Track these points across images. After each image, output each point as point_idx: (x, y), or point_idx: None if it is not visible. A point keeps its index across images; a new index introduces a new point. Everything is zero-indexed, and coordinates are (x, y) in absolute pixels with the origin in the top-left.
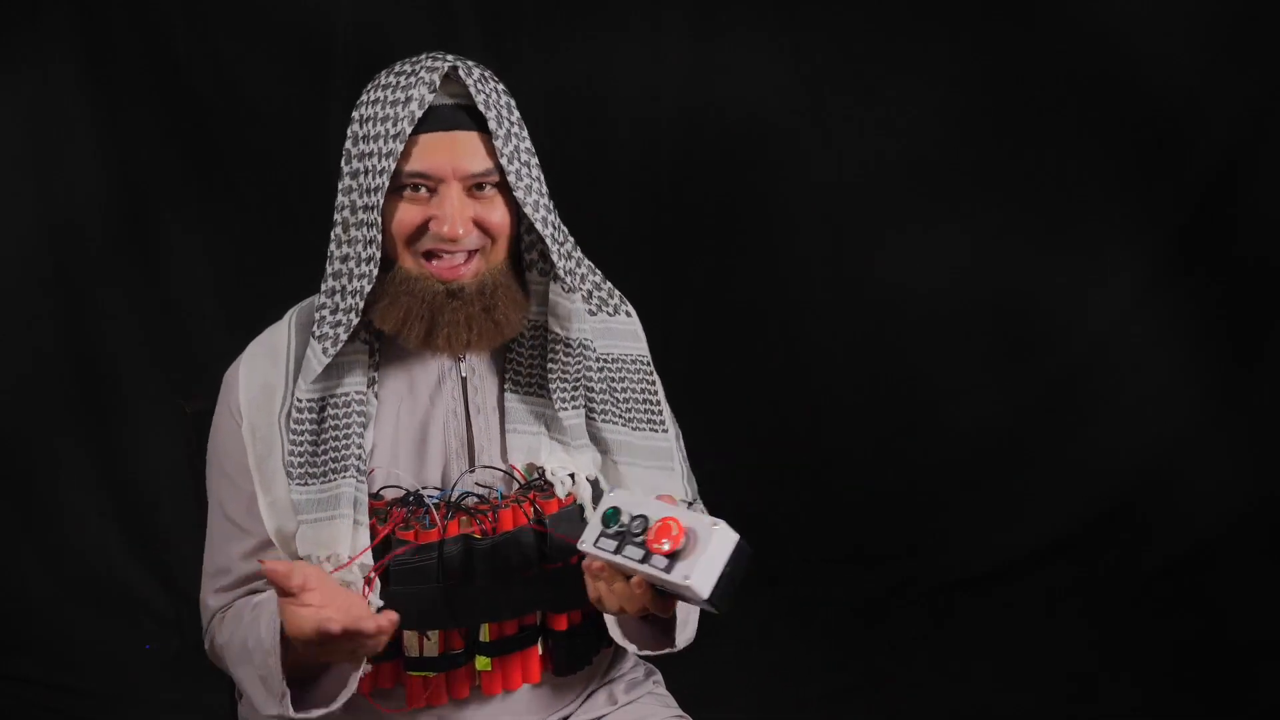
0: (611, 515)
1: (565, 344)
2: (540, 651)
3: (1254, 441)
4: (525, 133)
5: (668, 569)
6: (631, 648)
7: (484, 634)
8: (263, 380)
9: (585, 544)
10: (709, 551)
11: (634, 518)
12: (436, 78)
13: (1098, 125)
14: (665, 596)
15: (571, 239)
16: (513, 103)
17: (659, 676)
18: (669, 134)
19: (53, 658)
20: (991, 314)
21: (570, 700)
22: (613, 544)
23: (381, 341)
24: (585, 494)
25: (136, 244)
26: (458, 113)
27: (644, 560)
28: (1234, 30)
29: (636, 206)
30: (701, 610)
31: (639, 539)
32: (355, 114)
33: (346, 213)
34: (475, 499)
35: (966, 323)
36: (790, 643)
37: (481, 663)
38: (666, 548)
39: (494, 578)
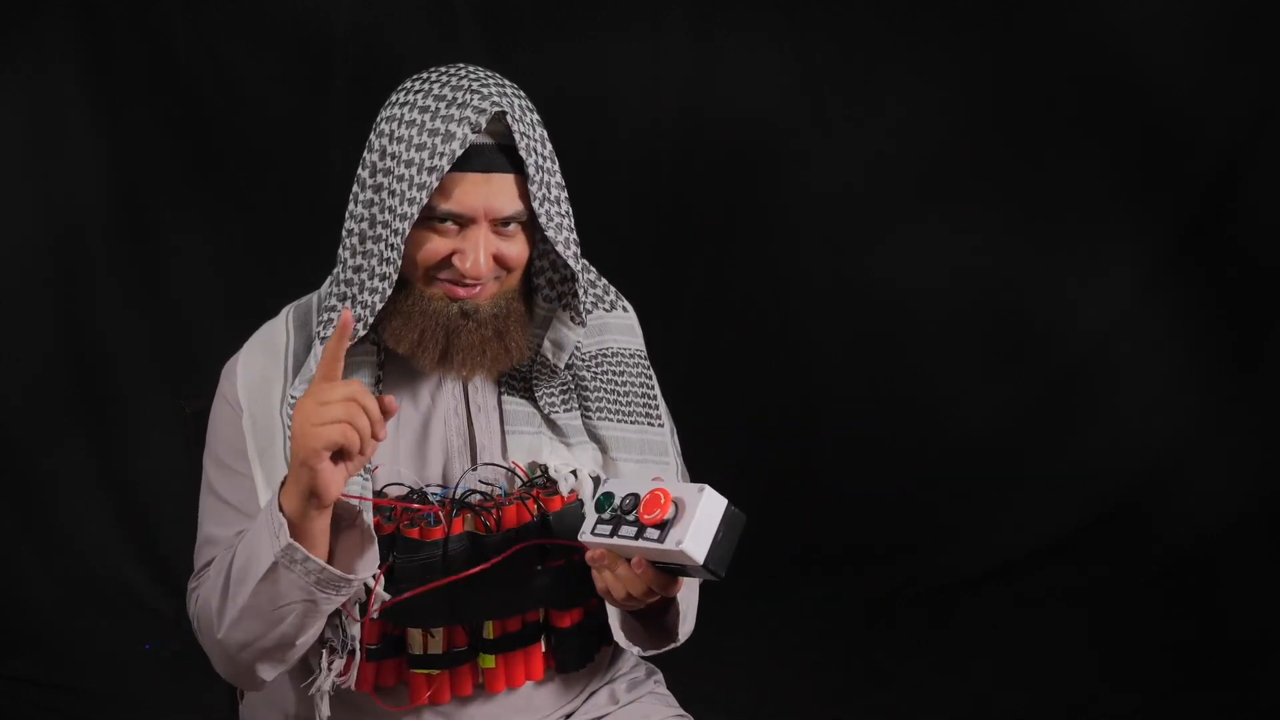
0: (605, 500)
1: (552, 370)
2: (543, 649)
3: (1254, 441)
4: (556, 165)
5: (661, 539)
6: (635, 650)
7: (488, 631)
8: (261, 373)
9: (584, 534)
10: (698, 515)
11: (625, 498)
12: (484, 120)
13: (1098, 125)
14: (669, 573)
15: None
16: (546, 135)
17: (660, 676)
18: (669, 134)
19: (53, 658)
20: (991, 314)
21: (573, 698)
22: (608, 528)
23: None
24: (587, 490)
25: (137, 244)
26: (497, 154)
27: (638, 536)
28: (1234, 30)
29: (636, 207)
30: (697, 599)
31: (631, 516)
32: (385, 126)
33: (365, 225)
34: (479, 496)
35: (966, 323)
36: (791, 642)
37: (485, 660)
38: (658, 516)
39: (498, 575)
